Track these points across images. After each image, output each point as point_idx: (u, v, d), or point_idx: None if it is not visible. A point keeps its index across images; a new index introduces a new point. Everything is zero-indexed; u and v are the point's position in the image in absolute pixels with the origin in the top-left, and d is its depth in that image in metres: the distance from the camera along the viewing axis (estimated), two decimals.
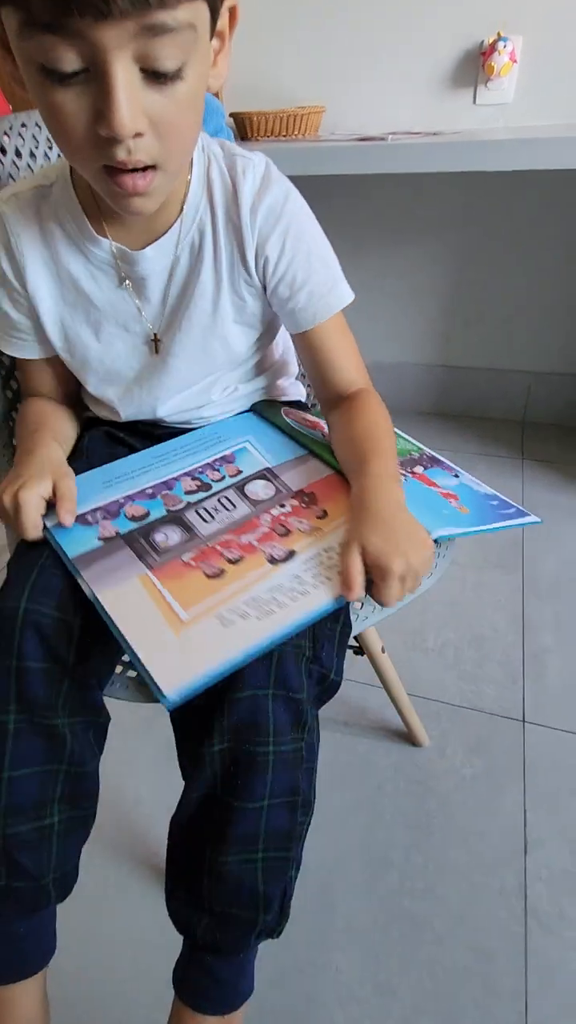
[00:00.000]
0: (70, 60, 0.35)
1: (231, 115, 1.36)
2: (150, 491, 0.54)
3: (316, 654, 0.46)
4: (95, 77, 0.36)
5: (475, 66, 1.30)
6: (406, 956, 0.69)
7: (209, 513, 0.51)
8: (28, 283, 0.53)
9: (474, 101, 1.34)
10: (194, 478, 0.55)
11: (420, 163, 1.05)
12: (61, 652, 0.45)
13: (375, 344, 1.73)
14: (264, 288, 0.55)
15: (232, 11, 0.43)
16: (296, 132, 1.34)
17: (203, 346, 0.57)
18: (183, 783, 0.65)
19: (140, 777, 0.88)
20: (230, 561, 0.46)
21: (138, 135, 0.38)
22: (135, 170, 0.40)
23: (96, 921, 0.73)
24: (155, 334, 0.56)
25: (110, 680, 0.51)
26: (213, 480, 0.55)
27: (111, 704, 0.52)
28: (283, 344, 0.68)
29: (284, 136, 1.34)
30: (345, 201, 1.54)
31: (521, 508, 0.57)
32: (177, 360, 0.57)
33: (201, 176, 0.51)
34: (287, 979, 0.68)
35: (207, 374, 0.60)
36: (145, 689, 0.51)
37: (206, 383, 0.61)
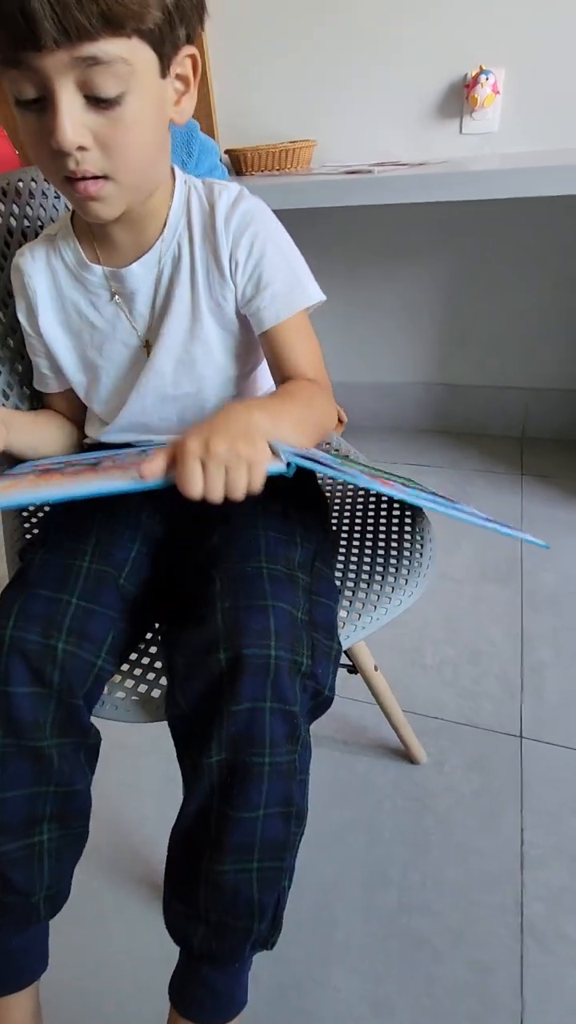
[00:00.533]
0: (28, 90, 0.44)
1: (226, 151, 1.42)
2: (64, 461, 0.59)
3: (312, 670, 0.47)
4: (49, 103, 0.44)
5: (460, 98, 1.35)
6: (404, 973, 0.69)
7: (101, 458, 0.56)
8: (41, 328, 0.62)
9: (460, 131, 1.39)
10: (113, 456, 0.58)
11: (404, 194, 1.09)
12: (47, 676, 0.47)
13: (374, 365, 1.77)
14: (235, 286, 0.59)
15: (193, 59, 0.49)
16: (289, 166, 1.40)
17: (187, 348, 0.60)
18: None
19: (143, 798, 0.90)
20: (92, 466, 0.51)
21: (82, 148, 0.45)
22: (87, 178, 0.47)
23: (96, 939, 0.75)
24: (146, 340, 0.61)
25: (100, 701, 0.53)
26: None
27: (115, 725, 0.54)
28: (269, 383, 0.71)
29: (277, 170, 1.39)
30: (340, 228, 1.58)
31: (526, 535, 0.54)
32: (163, 361, 0.60)
33: (181, 202, 0.57)
34: (285, 995, 0.68)
35: (194, 382, 0.62)
36: (137, 709, 0.53)
37: (197, 399, 0.63)
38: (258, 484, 0.43)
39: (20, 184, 0.75)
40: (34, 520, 0.72)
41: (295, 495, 0.60)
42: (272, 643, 0.44)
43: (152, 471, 0.42)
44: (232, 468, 0.42)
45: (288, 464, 0.44)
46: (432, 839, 0.82)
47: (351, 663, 0.78)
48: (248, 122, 1.51)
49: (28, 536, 0.69)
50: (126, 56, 0.43)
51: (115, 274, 0.58)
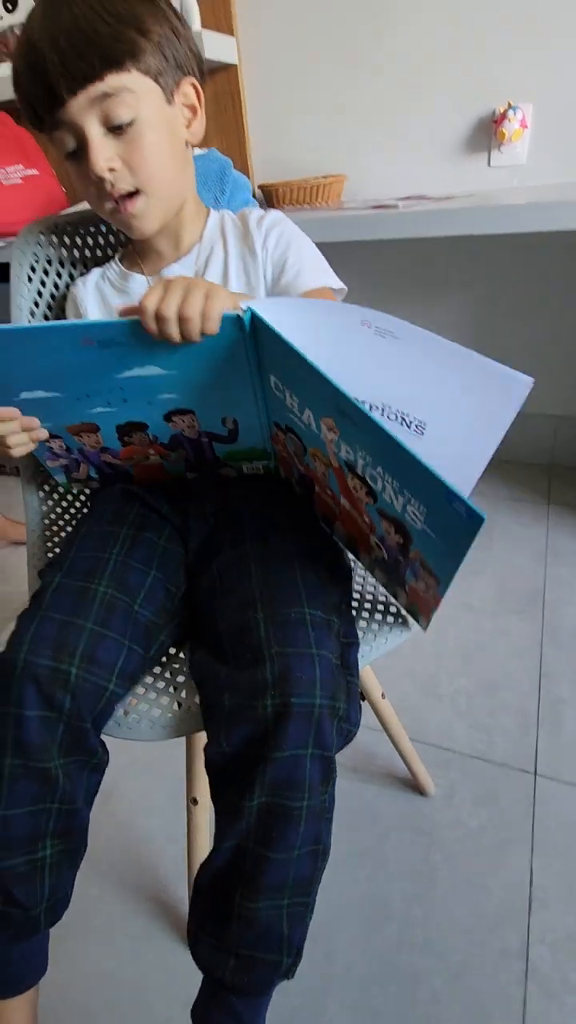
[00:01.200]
0: (70, 141, 0.54)
1: (259, 186, 1.47)
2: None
3: (346, 713, 0.49)
4: (83, 146, 0.54)
5: (488, 132, 1.37)
6: (402, 1011, 0.68)
7: None
8: None
9: (489, 164, 1.41)
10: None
11: (428, 228, 1.11)
12: (57, 700, 0.48)
13: None
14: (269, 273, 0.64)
15: (195, 88, 0.59)
16: (319, 200, 1.44)
17: None
18: (191, 821, 0.69)
19: (151, 814, 0.91)
20: None
21: (112, 170, 0.54)
22: (125, 196, 0.56)
23: (99, 953, 0.76)
24: None
25: (114, 722, 0.55)
26: None
27: (126, 741, 0.56)
28: None
29: (308, 204, 1.44)
30: (368, 261, 1.61)
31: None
32: None
33: (216, 220, 0.67)
34: None
35: None
36: (151, 729, 0.55)
37: None
38: (214, 314, 0.45)
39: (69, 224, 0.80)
40: (56, 540, 0.75)
41: (316, 527, 0.61)
42: (317, 691, 0.46)
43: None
44: (190, 294, 0.45)
45: (245, 311, 0.45)
46: (437, 874, 0.80)
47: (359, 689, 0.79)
48: (281, 157, 1.57)
49: (50, 555, 0.72)
50: (129, 86, 0.53)
51: (156, 278, 0.65)
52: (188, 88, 0.58)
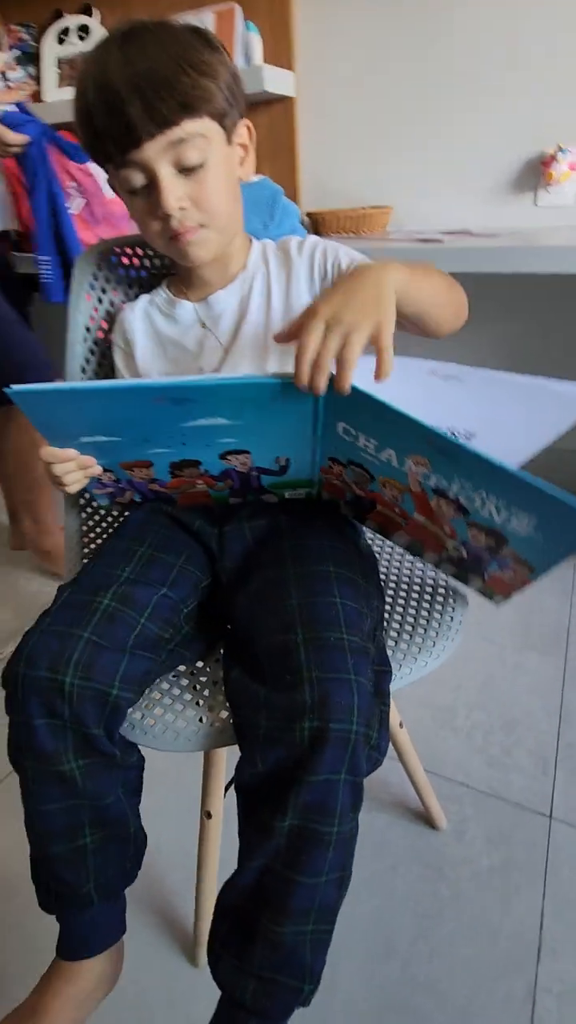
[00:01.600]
0: (138, 179, 0.56)
1: (307, 214, 1.51)
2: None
3: (378, 741, 0.50)
4: (152, 184, 0.56)
5: (536, 172, 1.39)
6: None
7: None
8: (139, 365, 0.71)
9: (535, 203, 1.43)
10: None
11: (474, 264, 1.13)
12: (57, 708, 0.50)
13: None
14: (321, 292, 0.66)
15: (248, 129, 0.62)
16: (365, 230, 1.47)
17: (260, 352, 0.67)
18: (203, 835, 0.69)
19: (163, 825, 0.92)
20: None
21: (182, 208, 0.57)
22: (187, 229, 0.59)
23: None
24: (225, 348, 0.68)
25: (130, 726, 0.57)
26: None
27: (144, 749, 0.57)
28: None
29: (353, 233, 1.47)
30: None
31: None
32: (237, 359, 0.66)
33: (258, 249, 0.69)
34: None
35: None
36: (166, 738, 0.56)
37: None
38: (386, 343, 0.46)
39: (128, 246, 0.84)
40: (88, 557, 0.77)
41: (354, 552, 0.63)
42: (355, 718, 0.47)
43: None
44: (352, 334, 0.46)
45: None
46: (445, 911, 0.79)
47: None
48: (330, 186, 1.61)
49: None
50: (202, 132, 0.56)
51: (204, 304, 0.68)
52: (243, 129, 0.62)
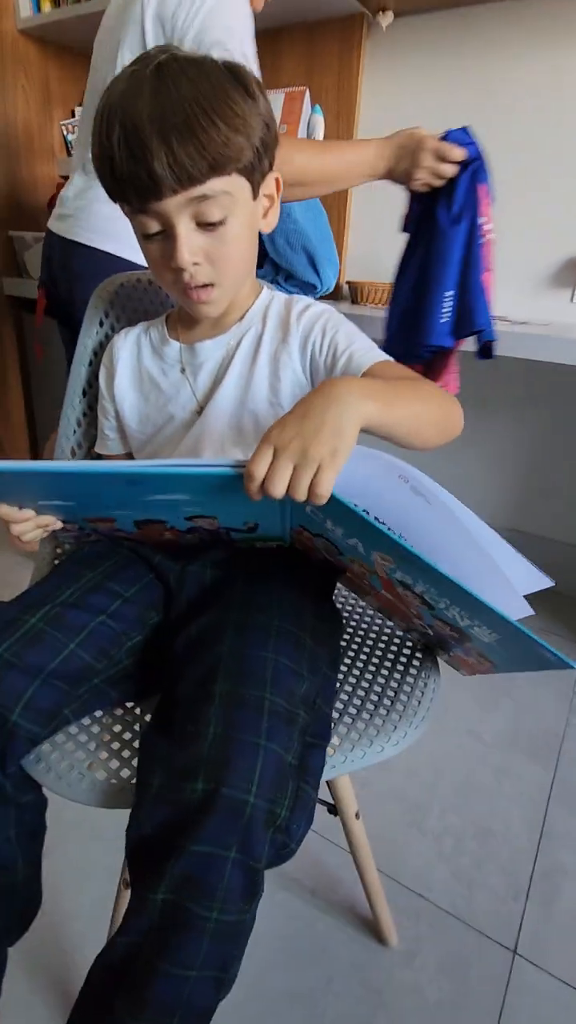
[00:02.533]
0: (153, 226, 0.54)
1: (347, 282, 1.55)
2: None
3: (287, 823, 0.44)
4: (169, 234, 0.54)
5: (574, 271, 1.41)
6: None
7: None
8: (116, 389, 0.69)
9: (572, 300, 1.44)
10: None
11: (508, 349, 1.13)
12: None
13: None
14: (310, 371, 0.63)
15: (276, 181, 0.60)
16: None
17: (236, 415, 0.64)
18: (118, 905, 0.63)
19: (85, 888, 0.84)
20: None
21: (196, 264, 0.55)
22: (199, 287, 0.57)
23: None
24: (200, 406, 0.65)
25: (41, 764, 0.52)
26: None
27: (66, 803, 0.51)
28: None
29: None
30: None
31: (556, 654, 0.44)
32: (212, 421, 0.64)
33: (263, 303, 0.66)
34: None
35: (243, 451, 0.64)
36: (79, 787, 0.51)
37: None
38: (322, 491, 0.42)
39: (139, 280, 0.85)
40: None
41: (311, 610, 0.58)
42: (253, 788, 0.41)
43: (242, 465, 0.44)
44: (301, 468, 0.42)
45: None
46: None
47: (332, 802, 0.72)
48: (374, 261, 1.65)
49: None
50: (228, 189, 0.53)
51: (189, 348, 0.66)
52: (271, 181, 0.59)
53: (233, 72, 0.52)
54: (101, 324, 0.77)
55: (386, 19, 1.40)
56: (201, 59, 0.52)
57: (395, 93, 1.50)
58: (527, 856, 0.92)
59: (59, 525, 0.58)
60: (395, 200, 1.56)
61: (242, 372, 0.63)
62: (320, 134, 1.52)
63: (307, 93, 1.53)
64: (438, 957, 0.78)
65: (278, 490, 0.42)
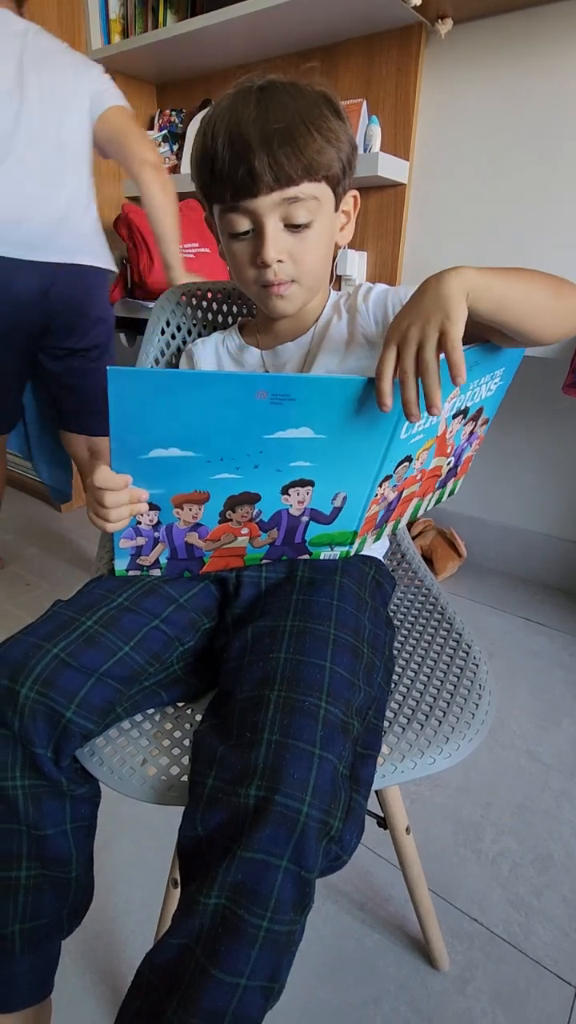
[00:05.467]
0: (243, 224, 0.58)
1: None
2: None
3: (340, 834, 0.43)
4: (256, 232, 0.58)
5: None
6: None
7: None
8: None
9: None
10: None
11: (553, 351, 1.09)
12: (7, 718, 0.48)
13: (509, 506, 1.70)
14: None
15: (355, 199, 0.65)
16: None
17: None
18: (166, 904, 0.63)
19: (136, 883, 0.85)
20: None
21: (279, 262, 0.59)
22: (280, 283, 0.61)
23: None
24: None
25: (95, 758, 0.53)
26: None
27: (131, 800, 0.52)
28: None
29: None
30: None
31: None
32: None
33: (333, 302, 0.70)
34: None
35: None
36: (130, 781, 0.52)
37: None
38: (453, 345, 0.45)
39: (199, 290, 0.88)
40: None
41: (368, 620, 0.58)
42: (307, 797, 0.41)
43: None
44: (424, 343, 0.45)
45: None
46: None
47: (382, 815, 0.70)
48: (429, 267, 1.62)
49: None
50: (317, 195, 0.58)
51: (271, 352, 0.70)
52: (350, 198, 0.64)
53: (325, 96, 0.58)
54: (162, 332, 0.80)
55: (445, 27, 1.39)
56: (299, 83, 0.57)
57: (454, 102, 1.49)
58: None
59: (145, 507, 0.54)
60: (453, 213, 1.55)
61: (326, 366, 0.66)
62: (376, 145, 1.52)
63: (364, 104, 1.54)
64: (493, 986, 0.74)
65: (410, 367, 0.46)
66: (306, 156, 0.54)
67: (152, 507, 0.54)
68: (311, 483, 0.55)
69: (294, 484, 0.55)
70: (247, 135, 0.53)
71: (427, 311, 0.46)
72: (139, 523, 0.55)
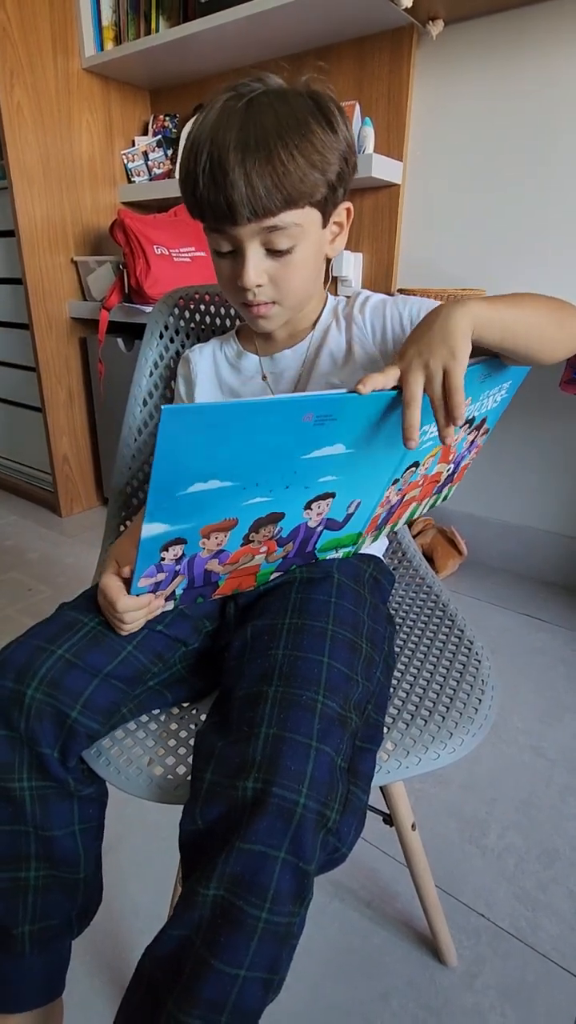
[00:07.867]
0: (225, 245, 0.58)
1: (399, 290, 1.55)
2: None
3: (337, 826, 0.44)
4: (239, 254, 0.57)
5: None
6: None
7: None
8: (195, 397, 0.72)
9: None
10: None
11: None
12: (14, 719, 0.49)
13: (509, 504, 1.70)
14: (392, 347, 0.65)
15: (348, 210, 0.62)
16: None
17: None
18: (174, 902, 0.63)
19: (144, 884, 0.86)
20: None
21: (259, 286, 0.58)
22: (261, 304, 0.60)
23: None
24: None
25: (102, 758, 0.53)
26: None
27: (139, 800, 0.52)
28: None
29: None
30: None
31: None
32: None
33: (329, 311, 0.69)
34: None
35: None
36: (135, 780, 0.52)
37: None
38: (456, 385, 0.46)
39: (197, 294, 0.88)
40: None
41: (367, 615, 0.58)
42: (304, 789, 0.42)
43: (371, 384, 0.46)
44: (430, 378, 0.47)
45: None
46: None
47: (388, 812, 0.70)
48: (425, 268, 1.64)
49: None
50: (299, 221, 0.56)
51: (270, 359, 0.69)
52: (342, 210, 0.61)
53: (319, 105, 0.55)
54: (161, 336, 0.81)
55: (436, 28, 1.40)
56: (289, 92, 0.54)
57: (447, 102, 1.50)
58: None
59: (168, 607, 0.55)
60: (447, 213, 1.55)
61: (323, 373, 0.66)
62: (370, 147, 1.53)
63: (357, 107, 1.55)
64: (500, 981, 0.75)
65: (415, 397, 0.47)
66: (286, 186, 0.52)
67: (178, 541, 0.51)
68: (333, 495, 0.54)
69: (317, 498, 0.54)
70: (226, 163, 0.51)
71: (433, 344, 0.47)
72: (163, 559, 0.51)
